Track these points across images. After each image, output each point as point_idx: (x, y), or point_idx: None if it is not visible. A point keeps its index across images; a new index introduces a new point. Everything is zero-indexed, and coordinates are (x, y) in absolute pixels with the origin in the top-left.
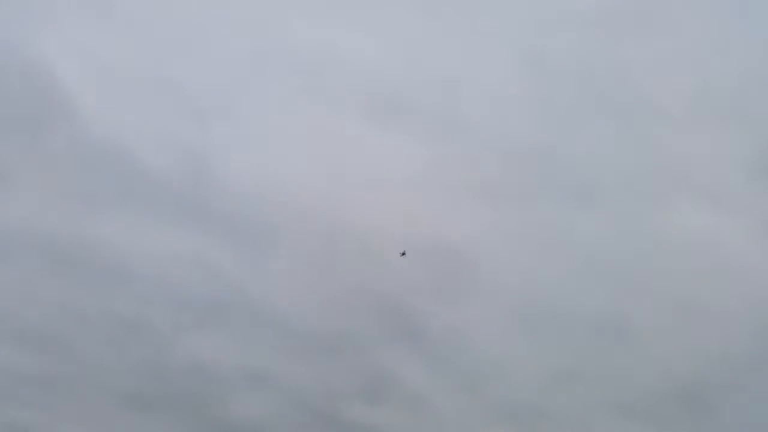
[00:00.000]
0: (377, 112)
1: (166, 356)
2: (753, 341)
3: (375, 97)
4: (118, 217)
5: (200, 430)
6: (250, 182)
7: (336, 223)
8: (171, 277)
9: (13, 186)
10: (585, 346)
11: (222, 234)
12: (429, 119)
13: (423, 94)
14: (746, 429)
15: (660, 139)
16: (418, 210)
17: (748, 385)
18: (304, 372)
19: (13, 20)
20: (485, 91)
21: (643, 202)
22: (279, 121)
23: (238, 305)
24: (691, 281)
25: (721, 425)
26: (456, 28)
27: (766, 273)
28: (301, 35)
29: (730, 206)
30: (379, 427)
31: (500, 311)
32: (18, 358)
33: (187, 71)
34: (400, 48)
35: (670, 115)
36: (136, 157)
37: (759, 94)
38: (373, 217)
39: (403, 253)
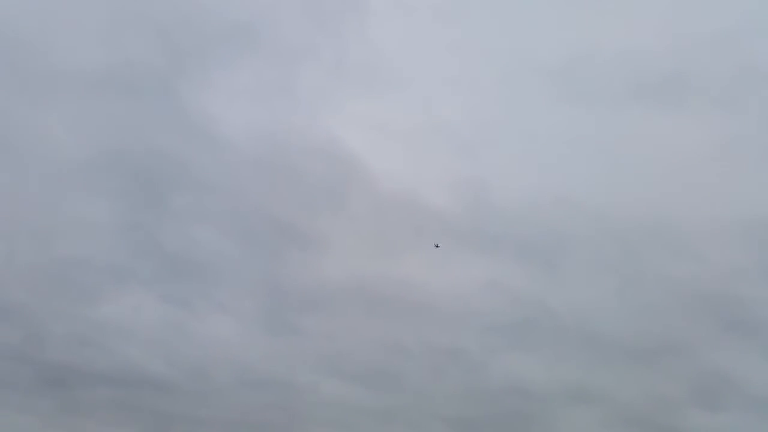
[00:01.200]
0: (652, 95)
1: (482, 379)
2: None
3: (647, 79)
4: (418, 256)
5: None
6: (529, 200)
7: (630, 221)
8: (474, 304)
9: (329, 248)
10: None
11: (513, 255)
12: (714, 88)
13: (699, 59)
14: None
15: None
16: (725, 186)
17: None
18: (628, 383)
19: (300, 109)
20: None
21: None
22: (546, 131)
23: (543, 322)
24: None
25: None
26: None
27: None
28: (548, 45)
29: None
30: None
31: None
32: (357, 393)
33: (450, 109)
34: (659, 27)
35: None
36: (422, 200)
37: None
38: (672, 206)
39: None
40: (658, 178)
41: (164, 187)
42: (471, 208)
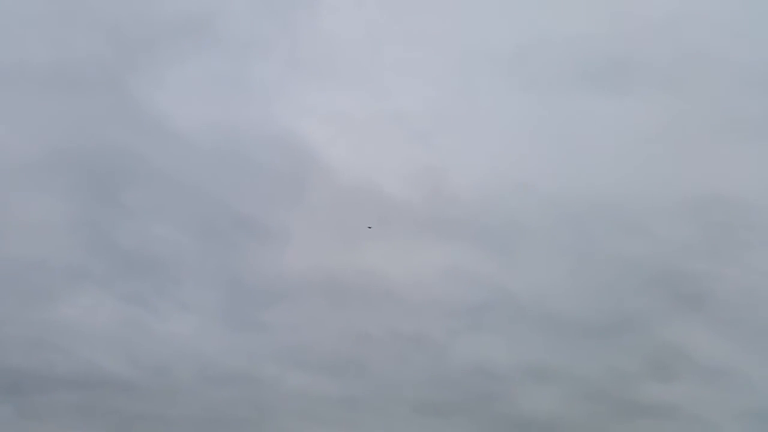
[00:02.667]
0: (600, 79)
1: (446, 363)
2: None
3: (594, 64)
4: (379, 244)
5: (493, 429)
6: (485, 186)
7: (583, 203)
8: (436, 290)
9: (290, 239)
10: None
11: (471, 241)
12: (659, 66)
13: (644, 43)
14: None
15: None
16: (672, 166)
17: None
18: (586, 359)
19: (255, 102)
20: (715, 19)
21: None
22: (500, 118)
23: (503, 305)
24: None
25: None
26: None
27: None
28: (499, 33)
29: None
30: (679, 404)
31: None
32: (322, 383)
33: (406, 99)
34: (604, 13)
35: None
36: (382, 189)
37: None
38: (622, 186)
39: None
40: (607, 160)
41: (118, 183)
42: (429, 196)
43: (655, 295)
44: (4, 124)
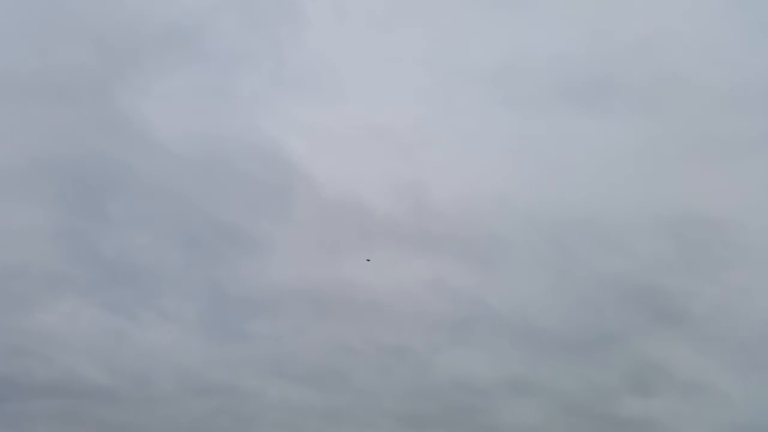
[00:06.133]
0: (580, 98)
1: (428, 376)
2: None
3: (574, 83)
4: (363, 257)
5: None
6: (467, 201)
7: (563, 219)
8: (419, 303)
9: (273, 252)
10: None
11: (454, 255)
12: (637, 87)
13: (622, 64)
14: None
15: None
16: (650, 185)
17: None
18: (566, 374)
19: (240, 114)
20: (690, 42)
21: None
22: (482, 135)
23: (484, 319)
24: None
25: None
26: None
27: None
28: (482, 50)
29: None
30: (658, 419)
31: None
32: (305, 395)
33: (389, 114)
34: (584, 35)
35: None
36: (365, 202)
37: None
38: (601, 203)
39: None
40: (586, 177)
41: (102, 192)
42: (412, 210)
43: (634, 311)
44: None
